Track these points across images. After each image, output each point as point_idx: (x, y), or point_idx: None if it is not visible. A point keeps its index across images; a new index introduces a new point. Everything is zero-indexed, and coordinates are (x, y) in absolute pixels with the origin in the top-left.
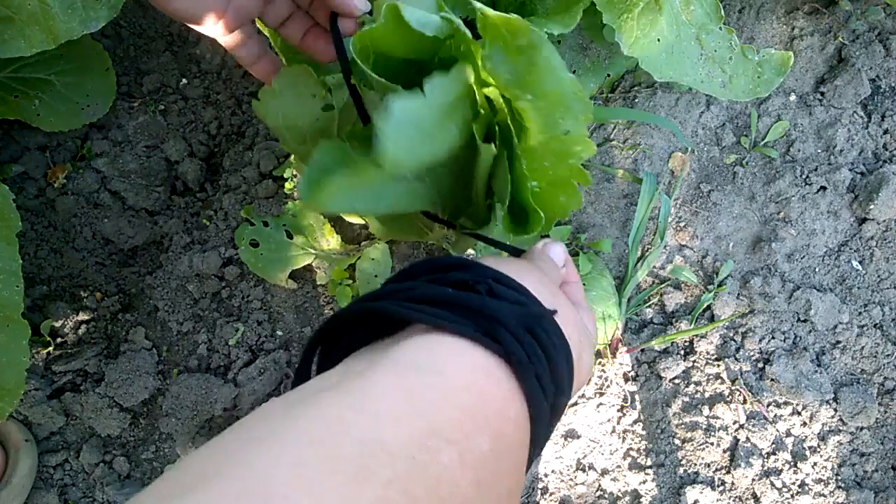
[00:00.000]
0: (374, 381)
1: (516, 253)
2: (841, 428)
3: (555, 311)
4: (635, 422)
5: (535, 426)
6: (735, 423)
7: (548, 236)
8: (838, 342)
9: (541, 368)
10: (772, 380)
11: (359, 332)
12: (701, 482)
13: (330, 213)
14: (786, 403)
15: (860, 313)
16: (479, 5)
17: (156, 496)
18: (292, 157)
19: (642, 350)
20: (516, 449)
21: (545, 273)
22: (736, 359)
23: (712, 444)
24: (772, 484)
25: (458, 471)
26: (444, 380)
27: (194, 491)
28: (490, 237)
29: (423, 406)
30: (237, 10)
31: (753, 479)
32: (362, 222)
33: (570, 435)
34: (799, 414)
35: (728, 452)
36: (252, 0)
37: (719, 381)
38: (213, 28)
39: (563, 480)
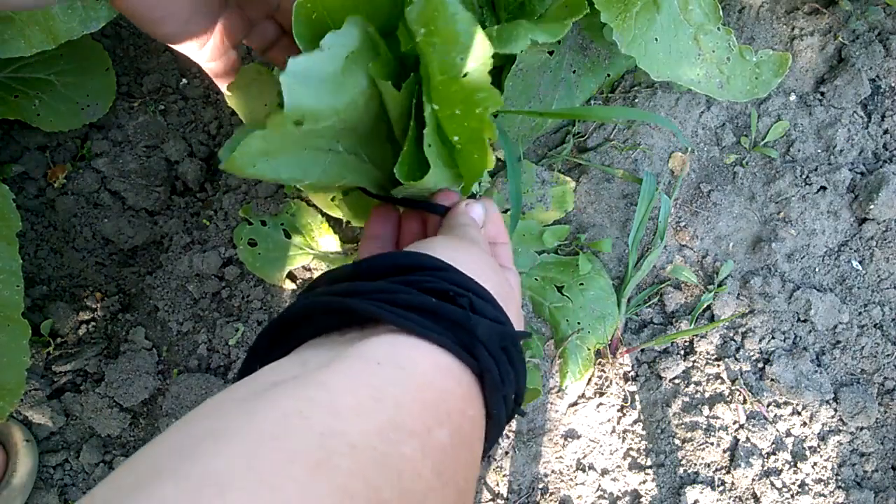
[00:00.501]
0: (336, 374)
1: (440, 211)
2: (841, 428)
3: (529, 335)
4: (635, 422)
5: (492, 433)
6: (735, 423)
7: (473, 196)
8: (838, 342)
9: (508, 388)
10: (772, 380)
11: (318, 322)
12: (701, 482)
13: (258, 178)
14: (786, 403)
15: (860, 313)
16: None
17: (112, 489)
18: None
19: (642, 350)
20: (473, 444)
21: (478, 244)
22: (736, 359)
23: (712, 444)
24: (772, 484)
25: (419, 461)
26: (407, 375)
27: (150, 485)
28: (415, 200)
29: (386, 399)
30: (223, 33)
31: (753, 479)
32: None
33: (570, 435)
34: (799, 414)
35: (728, 452)
36: (237, 23)
37: (719, 381)
38: (198, 53)
39: (563, 480)
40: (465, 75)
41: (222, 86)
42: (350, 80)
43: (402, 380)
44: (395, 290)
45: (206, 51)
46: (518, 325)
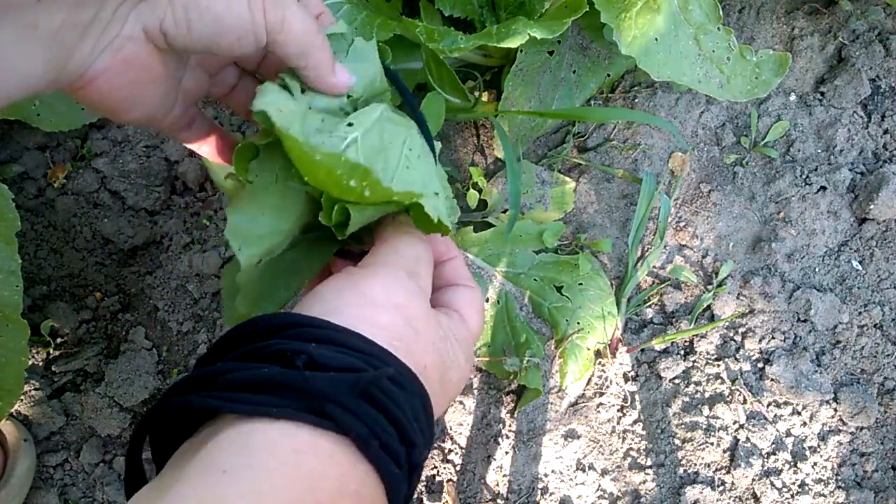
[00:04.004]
0: (178, 500)
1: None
2: (841, 428)
3: (389, 372)
4: (635, 422)
5: (392, 491)
6: (735, 423)
7: None
8: (838, 342)
9: (387, 436)
10: (772, 380)
11: (173, 427)
12: (701, 482)
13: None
14: (786, 403)
15: (860, 313)
16: (265, 107)
17: None
18: None
19: (642, 350)
20: None
21: (387, 267)
22: (736, 359)
23: (712, 444)
24: (772, 484)
25: None
26: (260, 476)
27: None
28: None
29: None
30: (185, 95)
31: (753, 479)
32: None
33: (570, 435)
34: (799, 414)
35: (728, 452)
36: (199, 80)
37: (719, 381)
38: (168, 124)
39: (563, 480)
40: (365, 195)
41: (188, 143)
42: (290, 196)
43: (254, 484)
44: (232, 369)
45: (171, 120)
46: (432, 357)
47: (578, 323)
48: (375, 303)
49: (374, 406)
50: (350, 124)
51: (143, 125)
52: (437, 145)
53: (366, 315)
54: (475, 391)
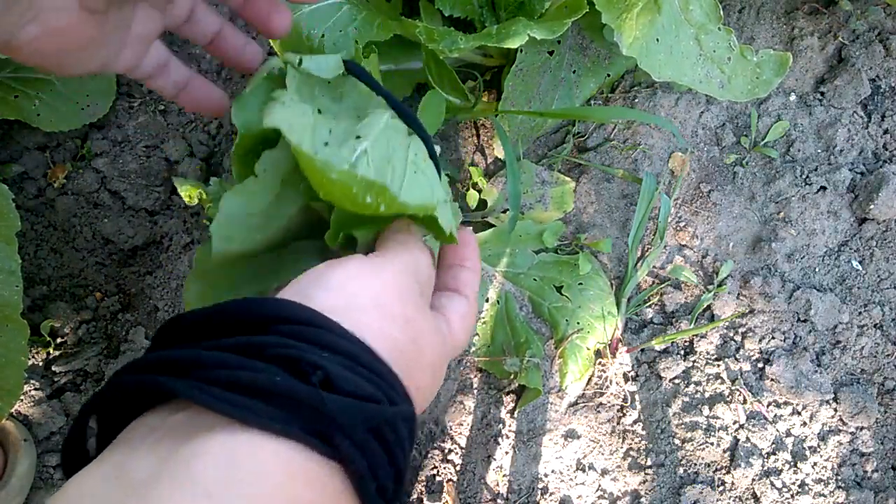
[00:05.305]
0: None
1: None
2: (841, 428)
3: (411, 414)
4: (635, 422)
5: None
6: (735, 423)
7: None
8: (838, 342)
9: (384, 476)
10: (772, 380)
11: (140, 400)
12: (701, 482)
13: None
14: (786, 403)
15: (860, 313)
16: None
17: None
18: None
19: (642, 350)
20: None
21: (394, 264)
22: (736, 359)
23: (712, 444)
24: (772, 484)
25: None
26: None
27: None
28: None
29: None
30: (138, 39)
31: (753, 479)
32: None
33: (570, 435)
34: (799, 414)
35: (728, 452)
36: (150, 20)
37: (719, 381)
38: (127, 70)
39: (563, 480)
40: (375, 207)
41: (165, 94)
42: (284, 204)
43: None
44: (228, 364)
45: (123, 65)
46: (426, 380)
47: (578, 323)
48: (386, 310)
49: (381, 444)
50: (358, 137)
51: (108, 70)
52: (437, 148)
53: (374, 325)
54: (475, 391)
